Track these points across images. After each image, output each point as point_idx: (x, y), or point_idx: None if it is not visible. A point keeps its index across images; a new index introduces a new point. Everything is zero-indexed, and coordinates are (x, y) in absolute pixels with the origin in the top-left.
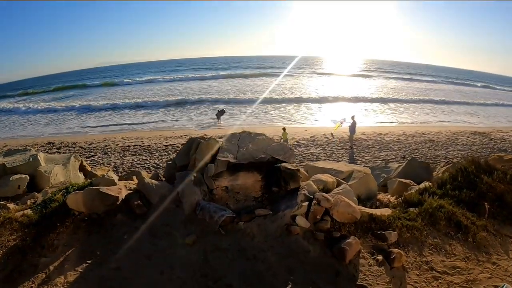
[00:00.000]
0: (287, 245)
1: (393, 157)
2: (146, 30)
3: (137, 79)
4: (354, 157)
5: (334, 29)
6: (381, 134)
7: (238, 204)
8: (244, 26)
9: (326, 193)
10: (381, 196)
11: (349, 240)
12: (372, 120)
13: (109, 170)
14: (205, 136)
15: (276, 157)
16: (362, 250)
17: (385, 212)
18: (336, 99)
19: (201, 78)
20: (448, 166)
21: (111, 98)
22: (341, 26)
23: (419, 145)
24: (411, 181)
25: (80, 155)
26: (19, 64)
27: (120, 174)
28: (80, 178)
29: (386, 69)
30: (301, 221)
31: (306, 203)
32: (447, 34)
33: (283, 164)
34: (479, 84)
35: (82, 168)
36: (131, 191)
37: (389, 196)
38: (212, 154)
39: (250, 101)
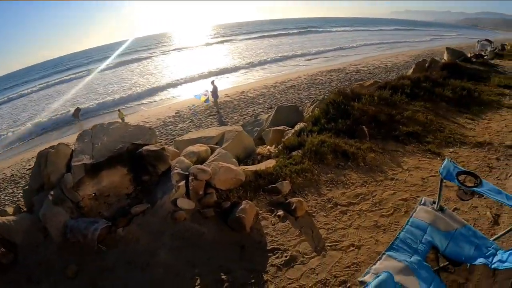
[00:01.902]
0: (177, 236)
1: (261, 110)
2: None
3: None
4: (223, 120)
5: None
6: (244, 92)
7: (112, 209)
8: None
9: (202, 163)
10: (260, 149)
11: (242, 206)
12: (232, 81)
13: None
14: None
15: (136, 142)
16: (260, 212)
17: (269, 164)
18: (193, 71)
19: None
20: (315, 104)
21: None
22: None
23: (282, 93)
24: (285, 127)
25: None
26: None
27: None
28: None
29: (236, 31)
30: (183, 203)
31: (183, 182)
32: None
33: (144, 148)
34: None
35: None
36: None
37: (268, 147)
38: (66, 162)
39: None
